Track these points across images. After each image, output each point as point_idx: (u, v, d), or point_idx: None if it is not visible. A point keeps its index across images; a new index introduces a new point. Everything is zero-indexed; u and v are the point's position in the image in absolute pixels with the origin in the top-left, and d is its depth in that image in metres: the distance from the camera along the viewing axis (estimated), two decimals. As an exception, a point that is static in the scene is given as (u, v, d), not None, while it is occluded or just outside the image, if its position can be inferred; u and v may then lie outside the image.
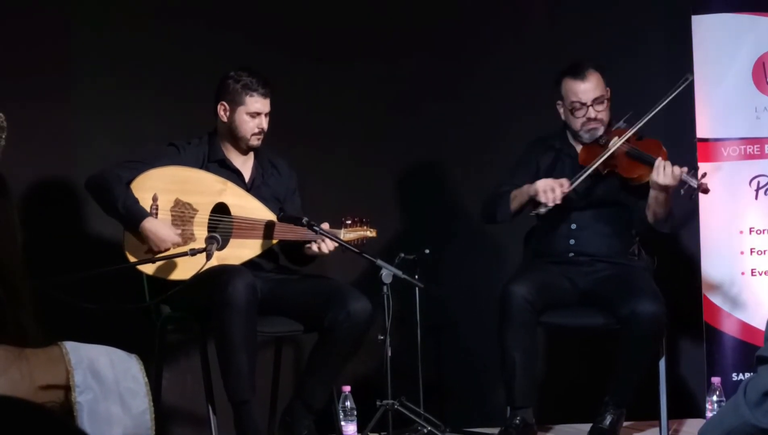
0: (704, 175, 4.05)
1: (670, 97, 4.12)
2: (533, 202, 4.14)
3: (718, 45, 4.63)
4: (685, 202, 4.16)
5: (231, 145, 4.04)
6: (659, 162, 3.99)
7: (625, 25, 4.87)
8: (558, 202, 4.05)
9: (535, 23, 4.94)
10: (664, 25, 4.88)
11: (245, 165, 4.08)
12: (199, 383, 3.90)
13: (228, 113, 3.99)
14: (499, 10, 4.92)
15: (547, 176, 4.24)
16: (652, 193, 4.05)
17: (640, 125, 4.12)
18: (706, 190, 4.03)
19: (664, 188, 4.01)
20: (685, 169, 4.01)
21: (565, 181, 4.08)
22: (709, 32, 4.62)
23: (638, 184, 4.12)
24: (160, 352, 3.98)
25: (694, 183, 3.99)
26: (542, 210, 4.07)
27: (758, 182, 4.62)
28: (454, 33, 4.89)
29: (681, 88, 4.14)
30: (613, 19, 4.87)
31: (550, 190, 4.05)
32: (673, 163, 4.01)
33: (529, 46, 4.90)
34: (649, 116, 4.11)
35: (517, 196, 4.18)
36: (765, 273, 4.61)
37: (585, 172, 4.11)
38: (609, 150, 4.12)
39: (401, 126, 4.82)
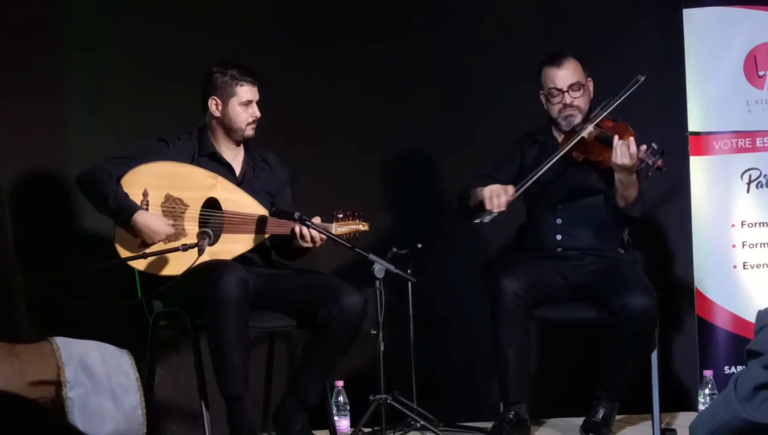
0: (662, 151, 4.04)
1: (626, 91, 4.11)
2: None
3: (709, 38, 4.64)
4: (655, 185, 4.16)
5: (222, 138, 4.05)
6: (616, 142, 4.00)
7: (616, 18, 4.88)
8: (503, 209, 4.05)
9: (526, 16, 4.94)
10: (656, 19, 4.88)
11: (236, 159, 4.08)
12: (192, 379, 3.89)
13: (220, 107, 4.00)
14: (490, 4, 4.92)
15: (531, 169, 4.25)
16: (616, 175, 4.06)
17: (609, 110, 4.12)
18: (660, 168, 4.02)
19: (622, 168, 4.01)
20: (644, 147, 4.00)
21: (510, 188, 4.08)
22: (700, 25, 4.63)
23: (607, 168, 4.12)
24: (152, 348, 3.98)
25: (650, 161, 3.99)
26: (486, 218, 4.06)
27: (750, 175, 4.63)
28: (446, 28, 4.88)
29: (633, 88, 4.12)
30: (604, 12, 4.87)
31: (495, 197, 4.05)
32: (640, 143, 4.00)
33: (520, 40, 4.90)
34: (618, 102, 4.11)
35: (473, 197, 4.19)
36: (757, 266, 4.62)
37: (533, 176, 4.09)
38: (576, 137, 4.12)
39: (394, 120, 4.82)
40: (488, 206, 4.05)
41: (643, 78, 4.12)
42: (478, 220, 4.09)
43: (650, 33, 4.87)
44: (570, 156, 4.15)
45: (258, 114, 4.01)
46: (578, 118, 4.22)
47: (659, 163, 4.00)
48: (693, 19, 4.64)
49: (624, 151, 3.97)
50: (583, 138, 4.13)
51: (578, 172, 4.22)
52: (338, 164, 4.77)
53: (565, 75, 4.21)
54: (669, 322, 4.63)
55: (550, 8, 4.94)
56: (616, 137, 4.01)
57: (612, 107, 4.12)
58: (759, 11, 4.62)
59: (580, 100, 4.22)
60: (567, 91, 4.21)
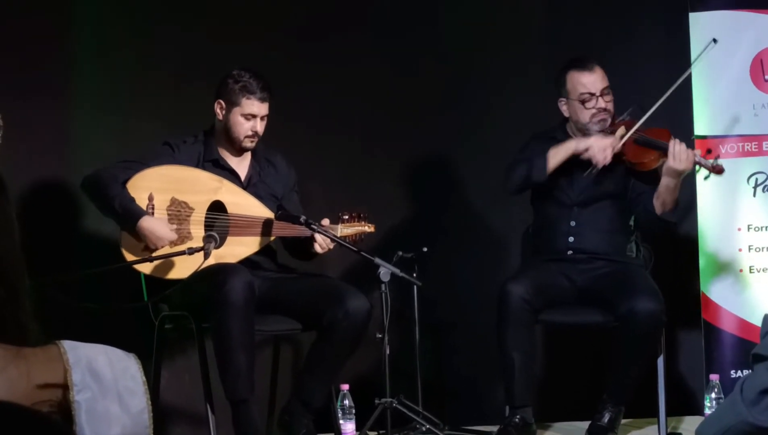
0: (717, 156, 4.06)
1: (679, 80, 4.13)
2: (579, 161, 4.14)
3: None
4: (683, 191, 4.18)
5: (226, 144, 4.04)
6: (674, 145, 3.99)
7: (622, 22, 4.88)
8: (608, 162, 4.08)
9: (532, 19, 4.94)
10: (662, 22, 4.88)
11: (241, 164, 4.07)
12: (198, 382, 3.89)
13: (224, 112, 3.99)
14: (496, 5, 4.92)
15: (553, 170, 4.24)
16: (665, 180, 4.05)
17: (660, 102, 4.13)
18: (720, 171, 4.02)
19: (679, 173, 4.01)
20: (698, 151, 4.02)
21: (615, 140, 4.09)
22: (706, 29, 4.62)
23: (644, 172, 4.12)
24: (158, 351, 3.98)
25: (708, 164, 4.00)
26: (594, 171, 4.09)
27: (756, 179, 4.62)
28: (451, 29, 4.88)
29: (682, 78, 4.14)
30: (610, 16, 4.87)
31: (603, 150, 4.08)
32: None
33: (526, 43, 4.90)
34: (667, 95, 4.12)
35: (558, 153, 4.17)
36: (763, 270, 4.61)
37: (630, 132, 4.09)
38: (619, 142, 4.10)
39: (399, 123, 4.82)
40: (595, 159, 4.08)
41: (691, 68, 4.14)
42: (586, 175, 4.12)
43: (656, 37, 4.87)
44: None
45: (258, 129, 3.97)
46: (609, 122, 4.22)
47: (719, 166, 4.00)
48: (699, 23, 4.63)
49: (683, 155, 3.97)
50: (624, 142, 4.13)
51: (603, 175, 4.20)
52: (343, 168, 4.77)
53: (596, 79, 4.21)
54: (675, 326, 4.62)
55: (556, 12, 4.94)
56: (671, 142, 4.00)
57: (662, 100, 4.11)
58: (765, 15, 4.61)
59: (610, 104, 4.23)
60: (600, 96, 4.20)
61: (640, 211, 4.18)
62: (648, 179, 4.13)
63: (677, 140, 4.02)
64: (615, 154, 4.13)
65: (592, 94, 4.20)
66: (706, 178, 4.08)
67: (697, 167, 4.04)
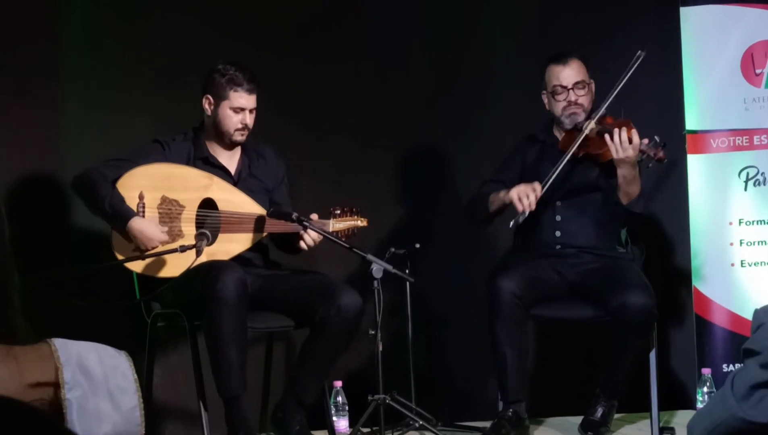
0: (664, 144, 4.05)
1: (629, 74, 4.13)
2: (512, 210, 4.16)
3: (706, 36, 4.64)
4: (647, 180, 4.19)
5: (216, 140, 4.03)
6: (617, 134, 3.99)
7: (613, 16, 4.88)
8: (533, 208, 4.06)
9: (523, 14, 4.94)
10: (653, 17, 4.89)
11: (231, 160, 4.06)
12: (190, 379, 3.89)
13: (212, 107, 3.98)
14: (488, 1, 4.93)
15: (533, 168, 4.26)
16: (618, 171, 4.06)
17: (606, 104, 4.14)
18: (661, 160, 4.03)
19: (624, 162, 4.01)
20: (645, 140, 4.01)
21: (537, 185, 4.09)
22: (697, 24, 4.63)
23: (606, 162, 4.12)
24: (150, 349, 3.98)
25: (651, 153, 4.00)
26: (520, 219, 4.08)
27: (747, 173, 4.63)
28: (442, 23, 4.88)
29: (634, 65, 4.15)
30: (601, 9, 4.88)
31: (525, 197, 4.06)
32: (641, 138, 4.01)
33: (518, 37, 4.90)
34: (614, 93, 4.11)
35: (495, 201, 4.21)
36: (755, 264, 4.62)
37: (555, 169, 4.11)
38: (581, 135, 4.14)
39: (392, 119, 4.81)
40: (519, 208, 4.06)
41: (643, 53, 4.13)
42: (512, 224, 4.11)
43: (647, 31, 4.87)
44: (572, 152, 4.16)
45: (248, 122, 3.95)
46: (582, 117, 4.23)
47: (660, 154, 4.01)
48: (690, 17, 4.64)
49: (624, 144, 3.97)
50: (586, 134, 4.13)
51: (577, 168, 4.22)
52: (336, 164, 4.77)
53: (570, 73, 4.23)
54: (667, 321, 4.63)
55: (547, 6, 4.94)
56: (615, 130, 4.01)
57: (618, 88, 4.11)
58: (756, 9, 4.62)
59: (584, 98, 4.24)
60: (572, 89, 4.22)
61: (611, 205, 4.19)
62: (612, 170, 4.13)
63: (625, 128, 4.01)
64: (579, 147, 4.14)
65: (564, 87, 4.23)
66: (648, 166, 4.06)
67: (641, 155, 4.03)
